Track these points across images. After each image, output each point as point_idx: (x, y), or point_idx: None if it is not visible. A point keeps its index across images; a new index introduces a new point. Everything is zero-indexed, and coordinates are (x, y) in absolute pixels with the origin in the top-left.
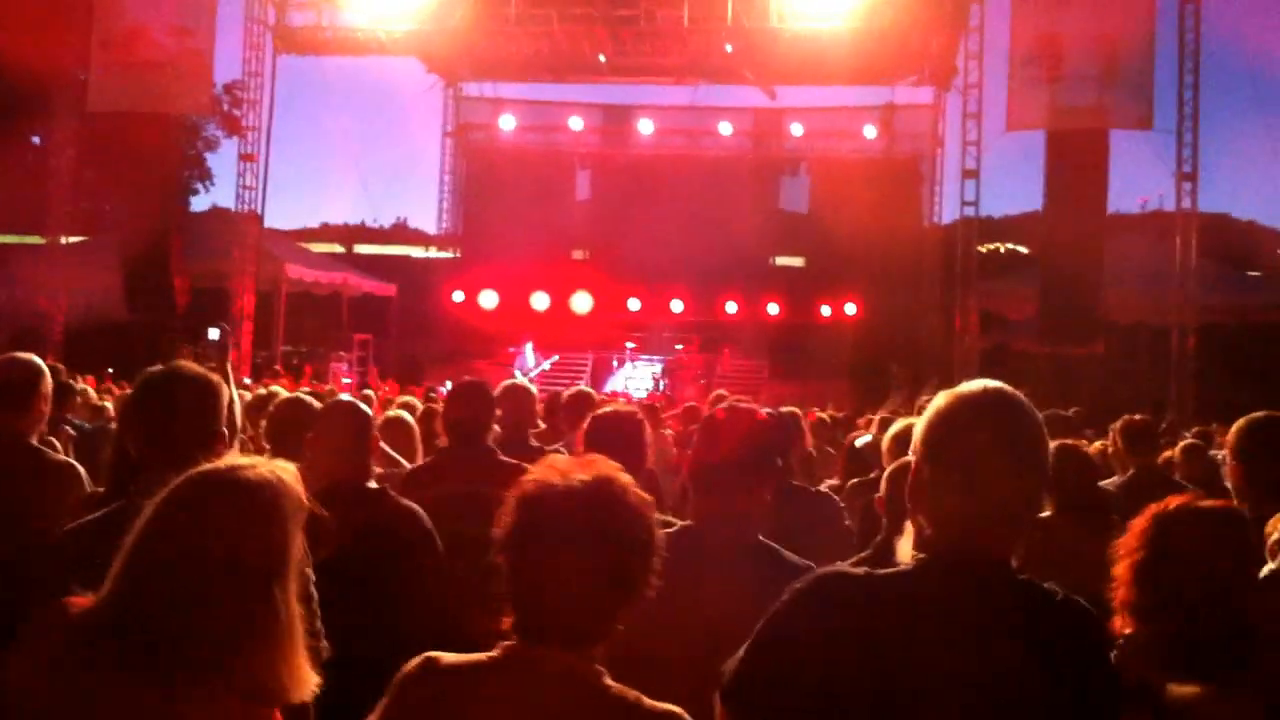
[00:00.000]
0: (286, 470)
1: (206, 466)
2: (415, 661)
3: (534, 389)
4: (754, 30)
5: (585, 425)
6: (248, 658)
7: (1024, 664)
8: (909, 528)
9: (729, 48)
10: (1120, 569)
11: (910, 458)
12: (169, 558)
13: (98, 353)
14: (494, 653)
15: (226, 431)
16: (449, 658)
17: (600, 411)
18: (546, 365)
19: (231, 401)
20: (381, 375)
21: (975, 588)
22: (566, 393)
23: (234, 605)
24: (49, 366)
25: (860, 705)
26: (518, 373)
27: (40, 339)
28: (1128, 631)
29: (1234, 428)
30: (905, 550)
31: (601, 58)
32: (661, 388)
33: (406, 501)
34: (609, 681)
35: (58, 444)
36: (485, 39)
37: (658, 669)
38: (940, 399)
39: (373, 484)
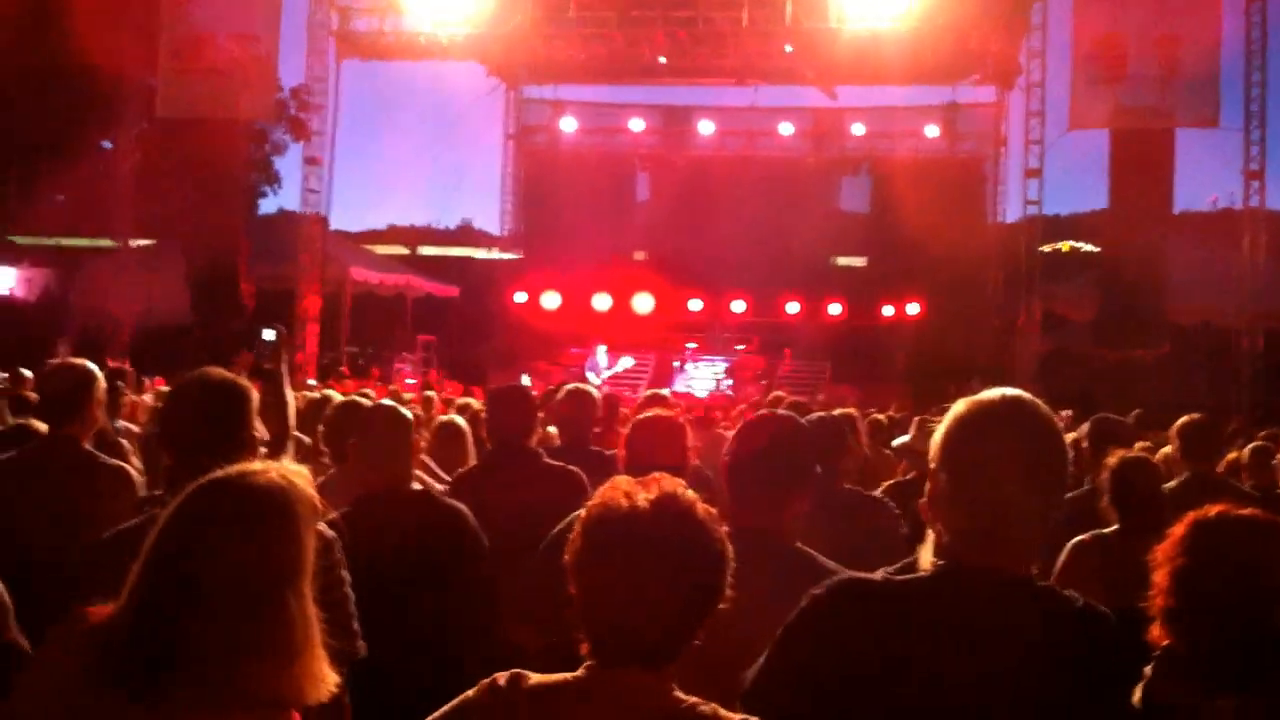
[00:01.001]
0: (299, 474)
1: (217, 474)
2: (504, 677)
3: (595, 393)
4: (813, 30)
5: (627, 431)
6: (262, 666)
7: (1038, 671)
8: (930, 535)
9: (788, 48)
10: (1159, 576)
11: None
12: (179, 568)
13: (166, 355)
14: (578, 673)
15: (257, 436)
16: (535, 677)
17: (641, 417)
18: (619, 368)
19: (285, 405)
20: (444, 376)
21: (990, 595)
22: (640, 396)
23: (245, 614)
24: (116, 369)
25: (875, 710)
26: (590, 374)
27: (109, 342)
28: (1165, 642)
29: None
30: (926, 557)
31: (661, 59)
32: (724, 388)
33: (451, 502)
34: (681, 695)
35: (126, 445)
36: (545, 42)
37: (686, 674)
38: (959, 406)
39: (416, 486)
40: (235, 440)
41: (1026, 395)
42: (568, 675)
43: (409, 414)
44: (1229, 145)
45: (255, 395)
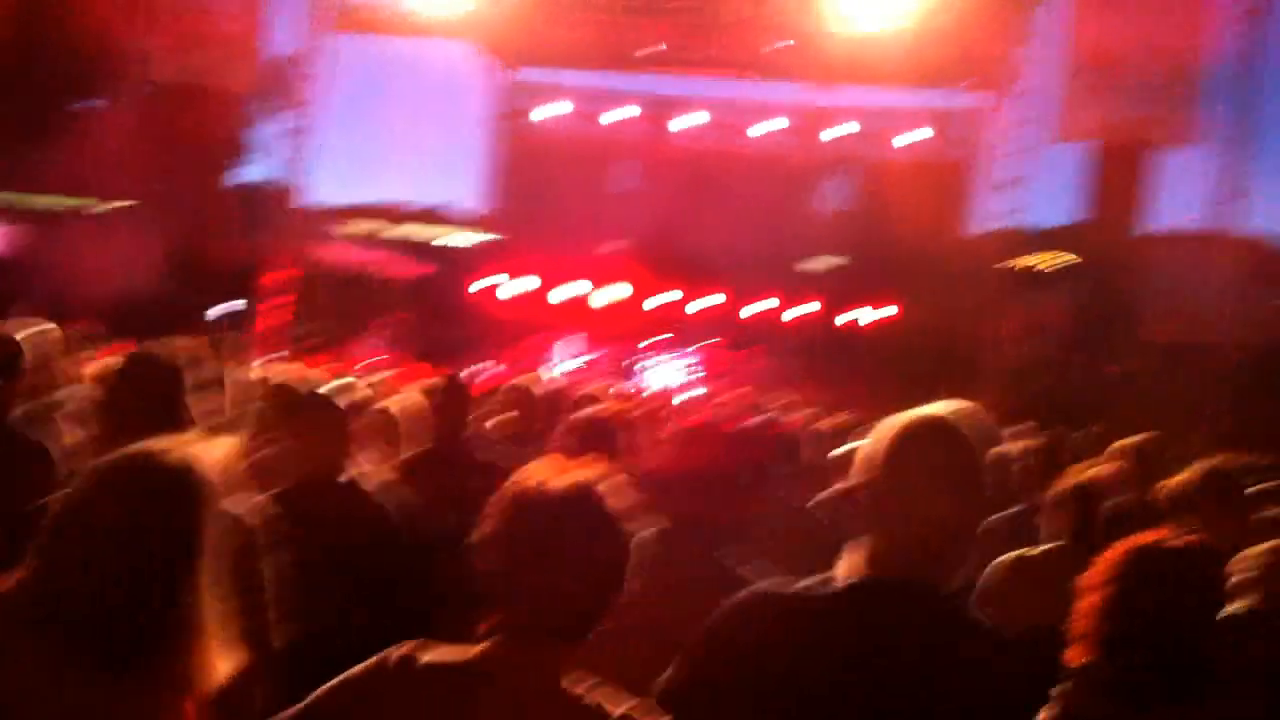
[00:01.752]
0: (209, 453)
1: (124, 450)
2: (396, 652)
3: (537, 389)
4: (806, 29)
5: (562, 427)
6: (149, 645)
7: (939, 686)
8: (850, 548)
9: (780, 45)
10: (1089, 600)
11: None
12: (74, 542)
13: (138, 322)
14: (478, 649)
15: (192, 413)
16: (432, 652)
17: (575, 416)
18: (582, 362)
19: (231, 381)
20: (412, 357)
21: (898, 610)
22: (580, 392)
23: (134, 591)
24: (90, 333)
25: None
26: (554, 364)
27: (75, 305)
28: (1083, 662)
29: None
30: (842, 570)
31: (652, 50)
32: (690, 384)
33: (377, 494)
34: (576, 677)
35: (59, 420)
36: (539, 25)
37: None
38: (883, 425)
39: (345, 477)
40: (167, 416)
41: (948, 416)
42: (466, 651)
43: (343, 402)
44: (1211, 163)
45: (193, 372)
